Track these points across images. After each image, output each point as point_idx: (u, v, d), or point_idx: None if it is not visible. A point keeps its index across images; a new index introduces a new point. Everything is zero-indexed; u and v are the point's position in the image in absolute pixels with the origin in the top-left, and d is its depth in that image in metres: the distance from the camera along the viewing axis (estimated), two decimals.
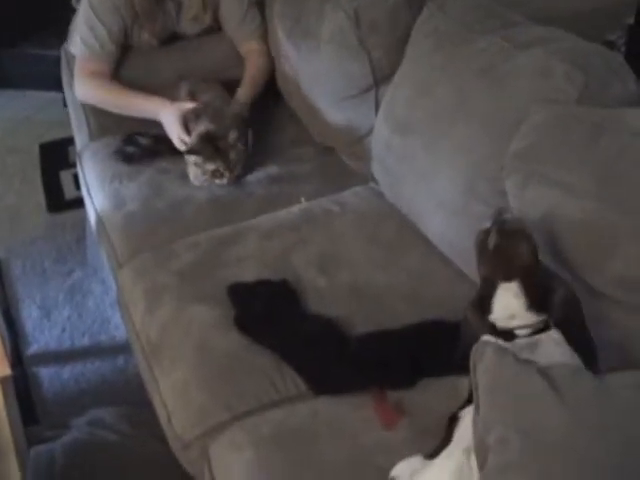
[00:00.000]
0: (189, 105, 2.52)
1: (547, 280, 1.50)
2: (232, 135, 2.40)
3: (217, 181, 2.43)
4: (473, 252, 1.58)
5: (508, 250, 1.49)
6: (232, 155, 2.40)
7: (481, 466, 1.26)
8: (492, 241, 1.50)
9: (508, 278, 1.46)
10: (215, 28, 2.88)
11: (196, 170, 2.44)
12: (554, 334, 1.45)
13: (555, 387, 1.21)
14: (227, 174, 2.42)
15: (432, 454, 1.44)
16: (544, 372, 1.24)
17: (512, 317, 1.45)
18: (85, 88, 2.72)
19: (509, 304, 1.45)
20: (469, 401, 1.42)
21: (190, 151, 2.42)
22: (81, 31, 2.68)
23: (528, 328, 1.44)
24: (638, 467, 1.17)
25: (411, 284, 2.03)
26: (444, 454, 1.41)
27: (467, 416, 1.40)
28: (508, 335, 1.45)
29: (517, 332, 1.44)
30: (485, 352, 1.30)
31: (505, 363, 1.28)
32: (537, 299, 1.45)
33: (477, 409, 1.28)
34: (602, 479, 1.15)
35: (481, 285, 1.53)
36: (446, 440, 1.43)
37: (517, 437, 1.20)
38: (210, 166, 2.40)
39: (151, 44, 2.79)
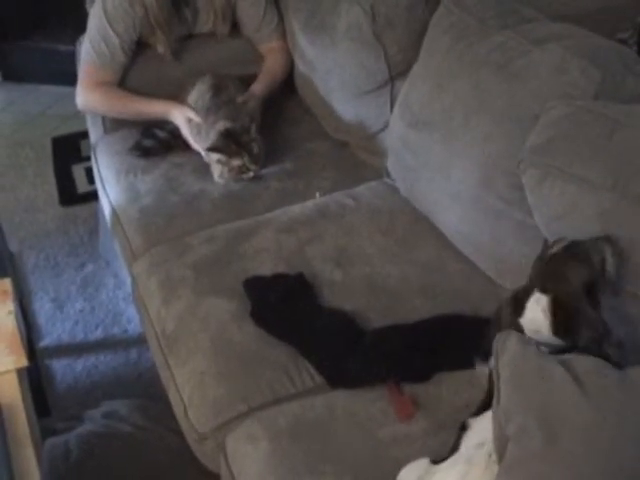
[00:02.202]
0: (192, 114, 2.51)
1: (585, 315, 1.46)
2: (253, 128, 2.41)
3: (243, 176, 2.43)
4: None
5: (560, 264, 1.49)
6: (255, 149, 2.41)
7: (500, 457, 1.26)
8: (554, 249, 1.51)
9: (544, 289, 1.45)
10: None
11: (221, 168, 2.44)
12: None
13: (577, 378, 1.21)
14: (253, 167, 2.42)
15: (439, 460, 1.44)
16: (566, 364, 1.25)
17: (537, 332, 1.44)
18: (89, 99, 2.68)
19: (536, 318, 1.44)
20: (482, 408, 1.43)
21: (212, 149, 2.42)
22: (93, 38, 2.60)
23: (551, 348, 1.42)
24: None
25: (426, 278, 2.04)
26: (449, 462, 1.42)
27: (475, 425, 1.41)
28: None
29: (540, 348, 1.42)
30: (508, 343, 1.30)
31: (528, 354, 1.29)
32: (564, 325, 1.43)
33: (497, 400, 1.28)
34: (623, 470, 1.15)
35: (523, 285, 1.52)
36: (454, 449, 1.43)
37: (537, 427, 1.20)
38: (237, 162, 2.40)
39: (164, 56, 2.71)
